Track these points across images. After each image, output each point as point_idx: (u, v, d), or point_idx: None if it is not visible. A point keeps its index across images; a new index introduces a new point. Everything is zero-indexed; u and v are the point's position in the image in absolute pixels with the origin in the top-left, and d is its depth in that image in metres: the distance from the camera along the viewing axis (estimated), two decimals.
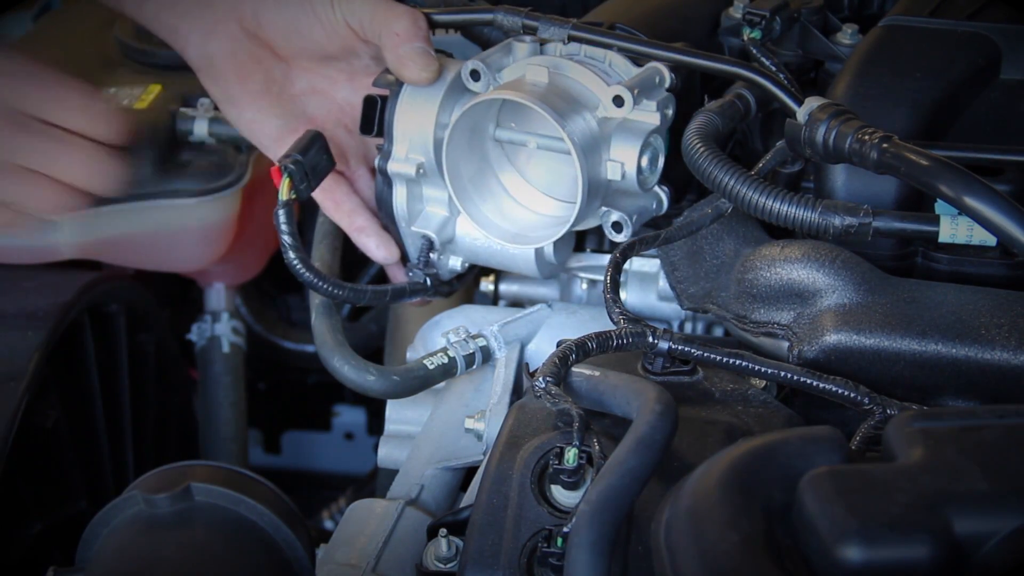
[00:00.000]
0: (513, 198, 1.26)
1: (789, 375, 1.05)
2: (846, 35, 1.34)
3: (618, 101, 1.17)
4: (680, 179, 1.32)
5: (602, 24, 1.28)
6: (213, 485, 1.11)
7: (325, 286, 1.20)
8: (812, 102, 1.09)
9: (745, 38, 1.27)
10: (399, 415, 1.31)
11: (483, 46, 1.42)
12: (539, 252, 1.26)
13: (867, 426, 1.01)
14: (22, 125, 1.08)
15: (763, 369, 1.05)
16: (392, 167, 1.22)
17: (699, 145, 1.13)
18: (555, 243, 1.25)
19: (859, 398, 1.03)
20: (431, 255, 1.28)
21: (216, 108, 1.62)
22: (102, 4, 1.29)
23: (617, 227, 1.20)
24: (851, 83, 1.23)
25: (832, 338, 1.08)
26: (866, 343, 1.08)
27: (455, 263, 1.31)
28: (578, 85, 1.19)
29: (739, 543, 0.72)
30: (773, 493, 0.76)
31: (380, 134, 1.23)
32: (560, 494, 0.95)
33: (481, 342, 1.25)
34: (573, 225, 1.18)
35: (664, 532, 0.78)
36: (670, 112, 1.21)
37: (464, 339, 1.24)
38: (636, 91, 1.17)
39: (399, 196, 1.25)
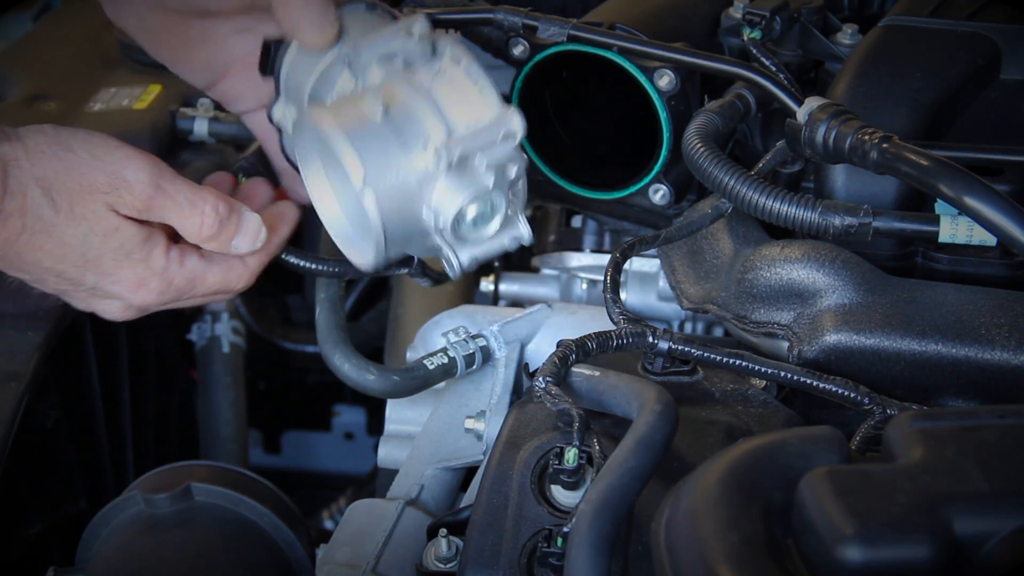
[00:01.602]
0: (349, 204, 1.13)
1: (789, 375, 1.05)
2: (846, 35, 1.34)
3: (437, 156, 1.04)
4: (680, 179, 1.32)
5: (602, 24, 1.28)
6: (213, 485, 1.11)
7: (311, 265, 1.20)
8: (812, 102, 1.09)
9: (745, 38, 1.27)
10: (399, 415, 1.31)
11: (483, 46, 1.43)
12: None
13: (867, 426, 1.01)
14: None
15: (763, 369, 1.05)
16: (275, 114, 1.16)
17: (699, 145, 1.13)
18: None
19: (859, 398, 1.03)
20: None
21: (217, 108, 1.62)
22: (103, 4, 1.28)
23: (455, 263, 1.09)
24: (851, 83, 1.23)
25: (832, 338, 1.08)
26: (866, 343, 1.08)
27: None
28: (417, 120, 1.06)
29: (739, 543, 0.72)
30: (773, 493, 0.76)
31: (274, 80, 1.17)
32: (560, 494, 0.95)
33: (481, 342, 1.25)
34: (377, 259, 1.08)
35: (664, 532, 0.78)
36: (513, 171, 1.07)
37: (464, 339, 1.24)
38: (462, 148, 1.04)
39: (286, 143, 1.18)
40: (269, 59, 1.16)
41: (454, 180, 1.05)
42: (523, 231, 1.10)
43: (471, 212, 1.05)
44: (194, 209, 1.05)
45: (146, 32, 1.19)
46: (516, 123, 1.05)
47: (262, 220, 1.10)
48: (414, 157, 1.05)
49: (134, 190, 1.02)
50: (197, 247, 1.09)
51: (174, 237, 1.08)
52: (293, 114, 1.14)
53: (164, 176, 1.04)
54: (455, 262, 1.09)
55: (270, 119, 1.17)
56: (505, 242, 1.11)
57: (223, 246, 1.08)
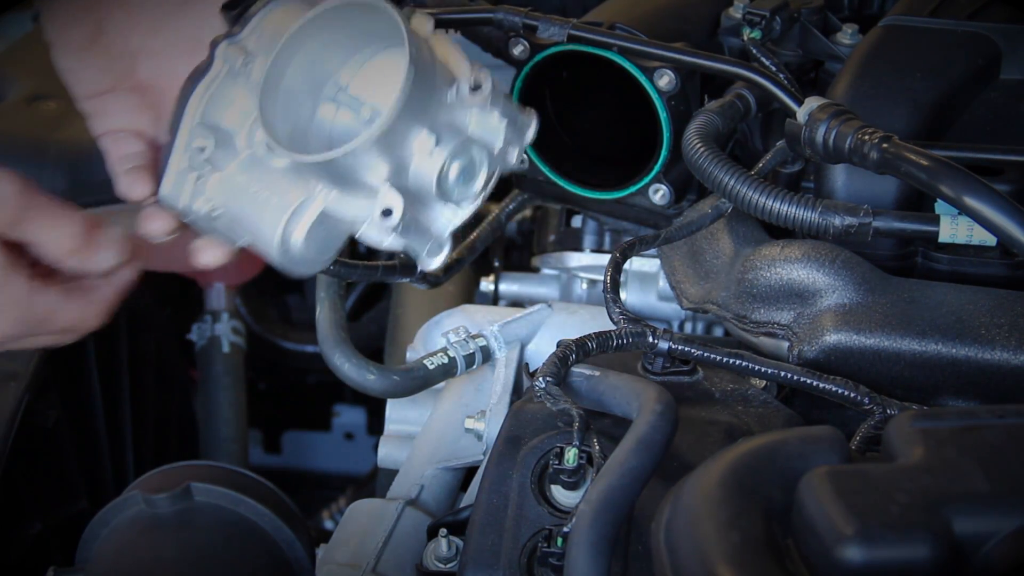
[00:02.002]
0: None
1: (789, 375, 1.05)
2: (846, 35, 1.34)
3: (475, 84, 1.00)
4: (680, 179, 1.32)
5: (602, 24, 1.28)
6: (213, 485, 1.11)
7: None
8: (812, 102, 1.09)
9: (745, 38, 1.27)
10: (399, 415, 1.31)
11: (483, 46, 1.43)
12: (285, 235, 1.04)
13: (867, 426, 1.01)
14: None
15: (763, 369, 1.05)
16: (222, 49, 1.06)
17: (699, 145, 1.13)
18: (311, 232, 1.04)
19: (859, 398, 1.03)
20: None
21: None
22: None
23: (386, 213, 1.00)
24: (851, 83, 1.23)
25: (832, 338, 1.08)
26: (866, 343, 1.08)
27: (201, 205, 1.07)
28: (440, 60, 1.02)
29: (739, 543, 0.72)
30: (773, 493, 0.76)
31: (235, 22, 1.08)
32: (560, 494, 0.95)
33: (481, 342, 1.25)
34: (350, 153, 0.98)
35: (664, 532, 0.78)
36: (514, 150, 1.04)
37: (464, 339, 1.24)
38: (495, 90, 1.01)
39: (205, 82, 1.06)
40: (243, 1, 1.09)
41: (457, 121, 1.01)
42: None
43: (457, 165, 1.01)
44: (60, 222, 1.03)
45: (62, 7, 1.13)
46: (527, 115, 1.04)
47: (126, 235, 1.09)
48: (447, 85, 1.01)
49: (4, 204, 1.00)
50: (55, 279, 1.07)
51: (34, 267, 1.07)
52: (239, 56, 1.06)
53: (30, 191, 1.03)
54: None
55: (212, 53, 1.06)
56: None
57: (86, 261, 1.06)
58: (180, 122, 1.07)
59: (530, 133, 1.04)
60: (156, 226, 1.10)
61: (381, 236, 1.01)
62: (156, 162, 1.11)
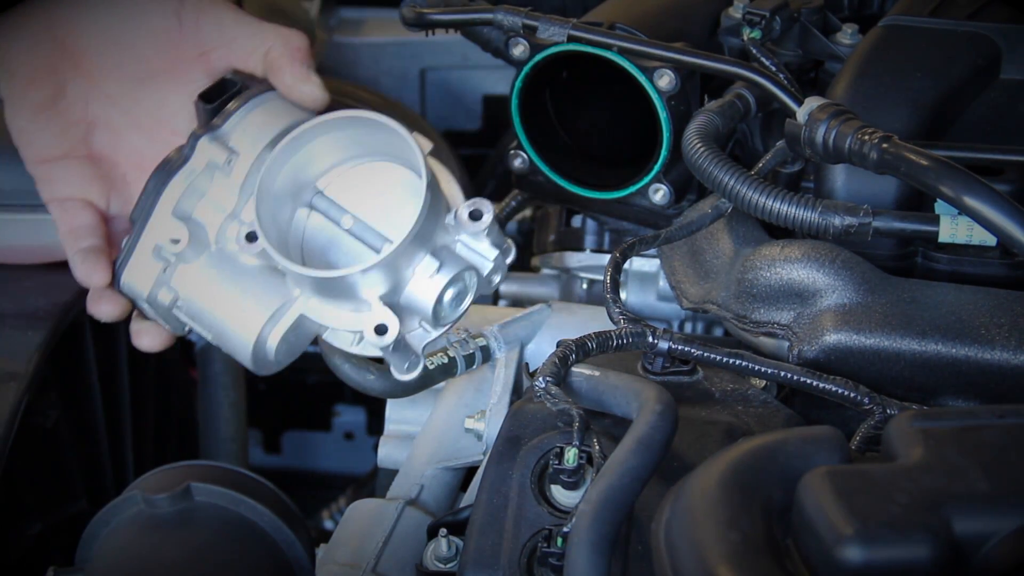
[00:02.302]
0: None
1: (789, 375, 1.05)
2: (846, 35, 1.34)
3: (475, 215, 1.02)
4: (680, 179, 1.32)
5: (602, 24, 1.28)
6: (213, 485, 1.11)
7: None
8: (812, 102, 1.09)
9: (745, 38, 1.27)
10: (399, 415, 1.31)
11: (483, 46, 1.43)
12: (260, 340, 1.05)
13: (867, 426, 1.01)
14: None
15: (763, 369, 1.05)
16: (205, 143, 1.04)
17: (699, 145, 1.13)
18: (285, 336, 1.05)
19: (859, 398, 1.03)
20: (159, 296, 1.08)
21: None
22: None
23: (381, 329, 1.01)
24: (851, 83, 1.23)
25: (832, 338, 1.08)
26: (866, 343, 1.08)
27: (164, 297, 1.07)
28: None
29: (739, 543, 0.72)
30: (773, 493, 0.76)
31: (213, 114, 1.06)
32: (560, 494, 0.95)
33: (481, 342, 1.25)
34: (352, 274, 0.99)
35: (664, 532, 0.78)
36: (497, 277, 1.06)
37: (464, 339, 1.24)
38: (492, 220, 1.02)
39: (183, 174, 1.05)
40: (222, 95, 1.07)
41: (454, 249, 1.03)
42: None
43: (452, 291, 1.03)
44: None
45: (22, 66, 1.09)
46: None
47: None
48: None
49: None
50: None
51: None
52: (223, 153, 1.05)
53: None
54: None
55: (190, 145, 1.05)
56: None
57: None
58: (151, 210, 1.05)
59: (510, 259, 1.06)
60: (105, 310, 1.10)
61: (371, 350, 1.02)
62: (108, 238, 1.11)
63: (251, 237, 1.03)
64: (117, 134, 1.11)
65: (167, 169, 1.06)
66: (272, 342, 1.04)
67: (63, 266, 1.55)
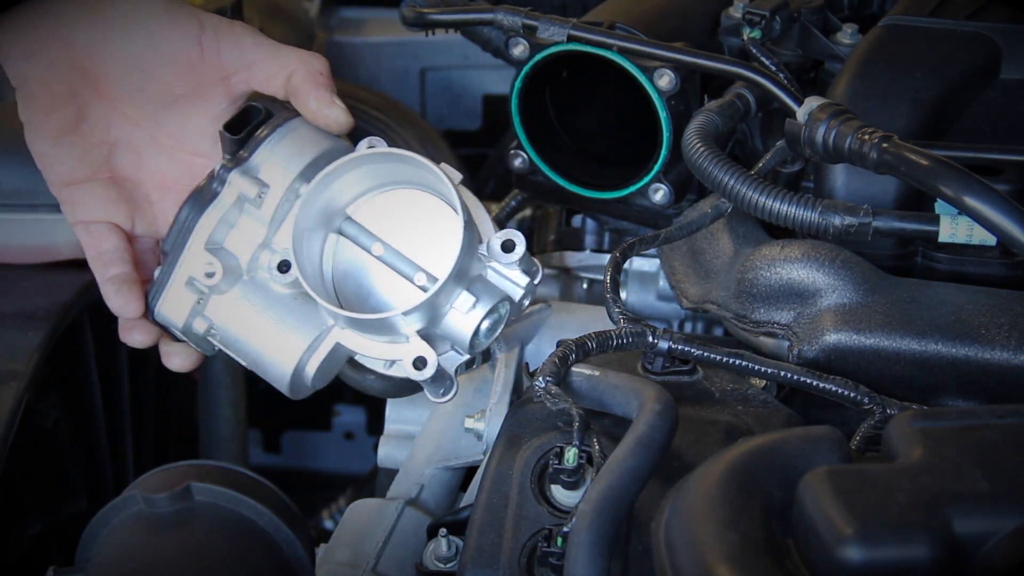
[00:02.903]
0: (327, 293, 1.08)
1: (789, 375, 1.05)
2: (846, 35, 1.34)
3: (508, 246, 1.02)
4: (680, 179, 1.32)
5: (602, 24, 1.28)
6: (213, 485, 1.11)
7: None
8: (812, 102, 1.09)
9: (745, 38, 1.27)
10: (399, 415, 1.31)
11: (483, 46, 1.43)
12: (298, 368, 1.06)
13: (867, 426, 1.01)
14: None
15: (763, 369, 1.05)
16: (236, 177, 1.04)
17: (699, 145, 1.13)
18: (322, 365, 1.06)
19: (859, 398, 1.03)
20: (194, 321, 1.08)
21: None
22: None
23: (420, 363, 1.02)
24: (851, 83, 1.23)
25: (832, 338, 1.08)
26: (866, 343, 1.08)
27: (199, 327, 1.08)
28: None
29: (739, 543, 0.72)
30: (773, 493, 0.76)
31: (240, 145, 1.06)
32: (560, 494, 0.95)
33: None
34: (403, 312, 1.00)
35: (664, 532, 0.78)
36: (527, 301, 1.06)
37: None
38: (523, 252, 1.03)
39: (216, 207, 1.06)
40: (247, 124, 1.07)
41: (489, 281, 1.04)
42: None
43: (488, 323, 1.04)
44: None
45: (42, 91, 1.09)
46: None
47: None
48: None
49: None
50: None
51: None
52: (254, 186, 1.05)
53: None
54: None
55: (218, 179, 1.06)
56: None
57: None
58: (184, 242, 1.07)
59: (538, 280, 1.06)
60: (138, 339, 1.12)
61: (403, 372, 1.03)
62: (135, 261, 1.11)
63: (283, 267, 1.04)
64: (139, 155, 1.12)
65: (199, 201, 1.07)
66: (310, 370, 1.06)
67: (63, 266, 1.56)
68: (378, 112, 1.88)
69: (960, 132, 1.23)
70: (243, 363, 1.08)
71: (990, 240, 1.05)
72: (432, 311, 1.01)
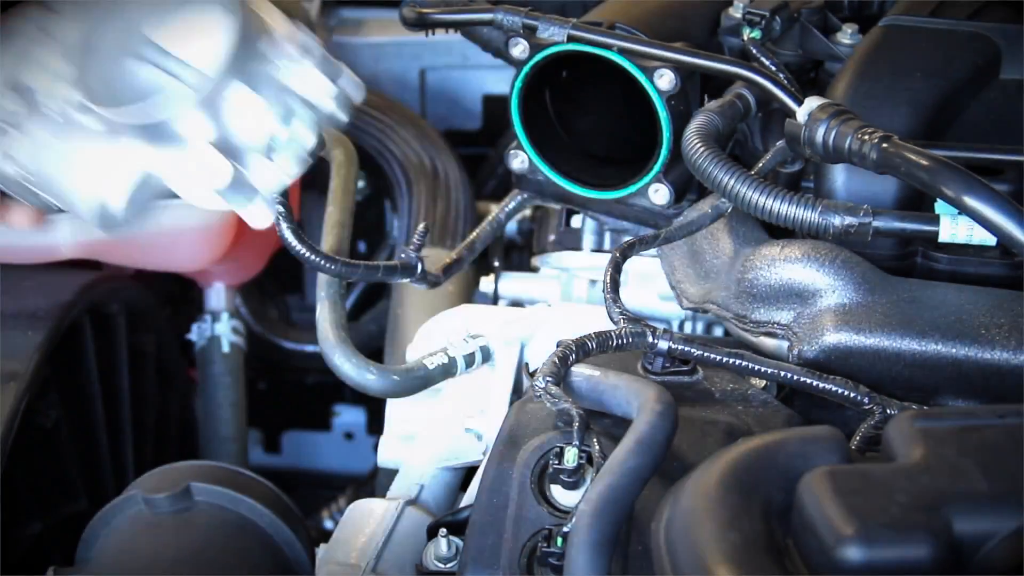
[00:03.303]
0: None
1: (789, 375, 1.05)
2: (846, 35, 1.34)
3: (291, 38, 1.02)
4: (680, 179, 1.32)
5: (602, 24, 1.28)
6: (213, 485, 1.11)
7: (317, 259, 1.18)
8: (812, 102, 1.09)
9: (745, 38, 1.27)
10: (399, 415, 1.31)
11: (483, 46, 1.42)
12: (105, 198, 1.04)
13: (867, 426, 1.01)
14: None
15: (763, 369, 1.05)
16: (35, 10, 1.03)
17: (699, 145, 1.13)
18: (132, 195, 1.03)
19: (859, 398, 1.03)
20: None
21: None
22: None
23: (213, 175, 1.00)
24: (851, 83, 1.23)
25: (832, 338, 1.08)
26: (866, 343, 1.08)
27: (10, 167, 1.05)
28: None
29: (739, 543, 0.72)
30: (773, 493, 0.76)
31: None
32: (560, 494, 0.95)
33: (481, 342, 1.25)
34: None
35: (664, 532, 0.78)
36: (340, 114, 1.05)
37: (464, 339, 1.24)
38: None
39: (11, 40, 1.04)
40: None
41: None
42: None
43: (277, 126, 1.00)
44: None
45: None
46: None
47: None
48: None
49: None
50: None
51: None
52: (49, 14, 1.03)
53: None
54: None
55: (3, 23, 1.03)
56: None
57: None
58: None
59: (358, 95, 1.03)
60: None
61: (206, 199, 1.00)
62: None
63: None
64: None
65: None
66: (117, 201, 1.02)
67: (63, 266, 1.56)
68: (378, 112, 1.88)
69: (960, 132, 1.22)
70: (60, 204, 1.05)
71: (990, 240, 1.05)
72: (215, 109, 0.97)
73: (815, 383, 1.04)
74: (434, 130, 1.92)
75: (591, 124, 1.41)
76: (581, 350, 1.03)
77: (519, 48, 1.31)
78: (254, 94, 0.98)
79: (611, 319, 1.10)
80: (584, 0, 1.65)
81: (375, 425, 2.19)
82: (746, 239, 1.22)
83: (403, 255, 1.28)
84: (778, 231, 1.20)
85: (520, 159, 1.38)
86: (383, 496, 1.20)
